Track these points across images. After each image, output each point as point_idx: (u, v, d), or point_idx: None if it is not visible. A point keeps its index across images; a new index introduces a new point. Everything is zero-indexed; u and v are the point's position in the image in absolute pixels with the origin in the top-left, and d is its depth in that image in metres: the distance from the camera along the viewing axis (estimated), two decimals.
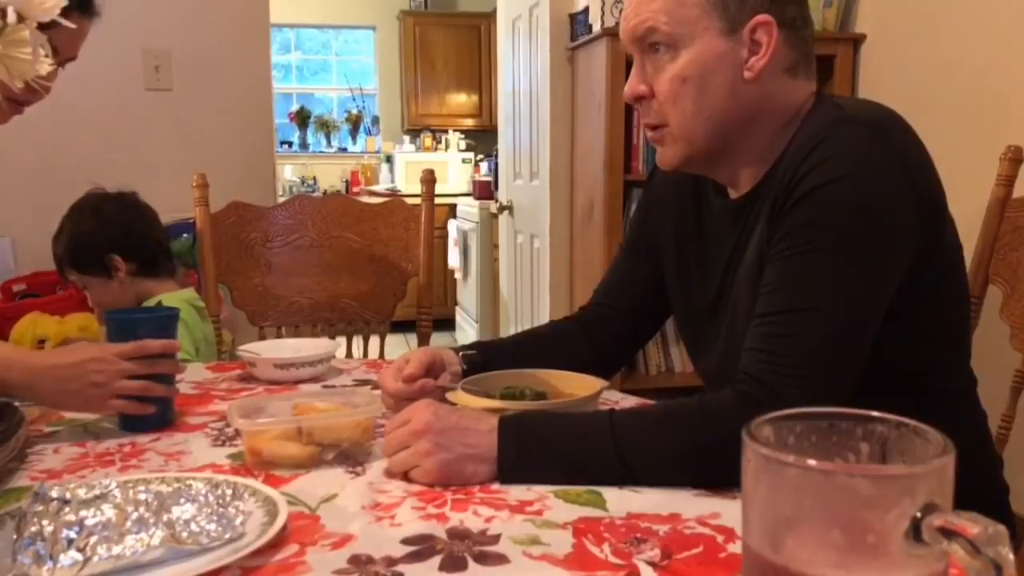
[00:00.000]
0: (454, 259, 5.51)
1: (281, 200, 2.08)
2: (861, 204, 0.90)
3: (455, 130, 6.60)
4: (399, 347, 5.13)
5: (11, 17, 0.77)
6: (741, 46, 0.99)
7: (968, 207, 1.24)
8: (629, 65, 1.06)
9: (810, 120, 1.00)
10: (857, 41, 2.54)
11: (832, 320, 0.89)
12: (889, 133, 0.94)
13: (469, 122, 6.62)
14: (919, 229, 0.94)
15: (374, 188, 6.27)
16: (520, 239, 3.68)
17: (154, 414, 1.07)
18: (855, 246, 0.90)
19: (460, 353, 1.17)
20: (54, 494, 0.67)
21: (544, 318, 3.23)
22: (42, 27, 0.87)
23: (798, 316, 0.90)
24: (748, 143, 1.03)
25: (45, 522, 0.65)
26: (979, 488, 0.76)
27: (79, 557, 0.64)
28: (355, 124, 6.79)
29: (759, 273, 0.97)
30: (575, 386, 1.09)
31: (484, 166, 6.21)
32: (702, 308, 1.13)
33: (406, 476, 0.88)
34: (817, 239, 0.91)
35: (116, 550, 0.65)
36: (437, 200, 2.01)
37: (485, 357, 1.17)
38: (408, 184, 6.09)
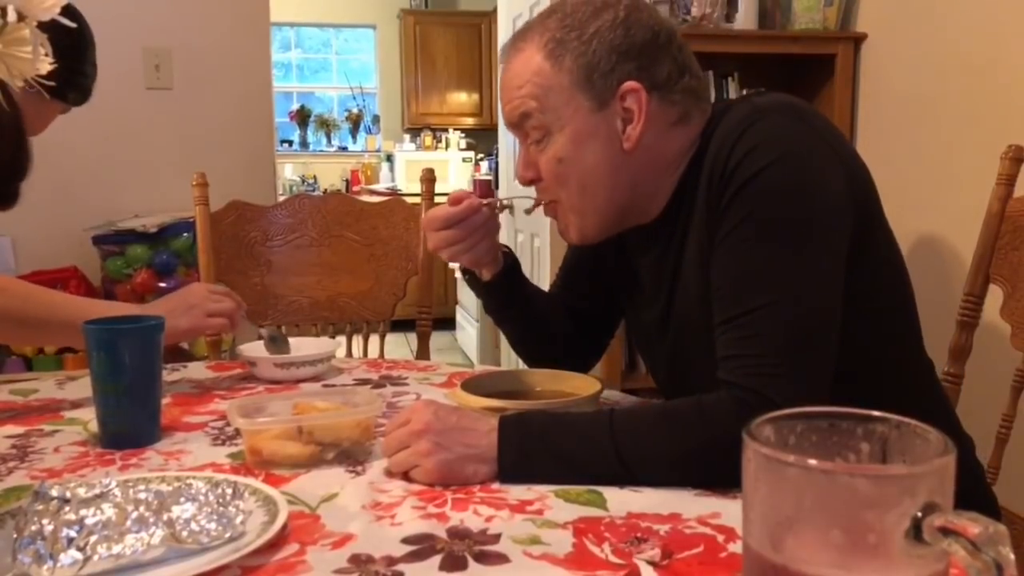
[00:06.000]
0: None
1: (281, 199, 2.07)
2: (797, 186, 0.90)
3: (455, 129, 6.60)
4: (399, 346, 5.13)
5: (11, 16, 0.77)
6: (614, 117, 0.99)
7: (968, 206, 1.24)
8: None
9: (725, 119, 0.98)
10: (858, 40, 2.53)
11: (795, 309, 0.88)
12: (807, 116, 0.95)
13: (469, 121, 6.63)
14: (853, 203, 0.94)
15: (374, 187, 6.28)
16: (520, 238, 3.68)
17: (137, 431, 1.01)
18: (799, 230, 0.89)
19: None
20: (54, 493, 0.67)
21: None
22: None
23: (760, 314, 0.88)
24: (645, 192, 1.03)
25: (45, 521, 0.65)
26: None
27: (79, 556, 0.64)
28: (355, 123, 6.80)
29: (705, 277, 0.95)
30: (575, 386, 1.10)
31: (484, 165, 6.22)
32: (652, 323, 1.12)
33: (406, 476, 0.88)
34: (760, 231, 0.90)
35: (116, 549, 0.65)
36: (437, 199, 2.00)
37: (513, 261, 1.21)
38: (408, 183, 6.09)
